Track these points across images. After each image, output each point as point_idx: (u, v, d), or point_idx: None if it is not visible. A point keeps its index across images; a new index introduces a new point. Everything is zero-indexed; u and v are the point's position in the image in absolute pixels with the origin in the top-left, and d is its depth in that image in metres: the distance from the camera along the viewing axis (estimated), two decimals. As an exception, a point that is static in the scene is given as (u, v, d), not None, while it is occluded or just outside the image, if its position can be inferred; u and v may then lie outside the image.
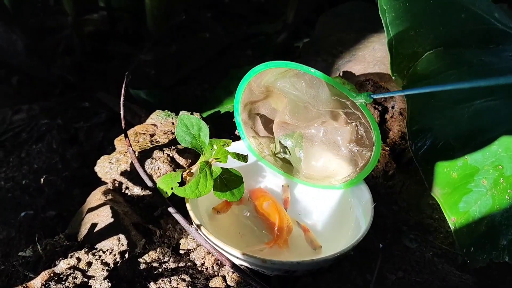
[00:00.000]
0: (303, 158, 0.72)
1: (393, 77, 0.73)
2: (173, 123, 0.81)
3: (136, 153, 0.72)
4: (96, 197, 0.71)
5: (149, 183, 0.65)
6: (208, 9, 1.48)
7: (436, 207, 0.68)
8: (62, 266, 0.56)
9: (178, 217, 0.60)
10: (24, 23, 1.23)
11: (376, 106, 0.82)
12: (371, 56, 0.88)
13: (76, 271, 0.57)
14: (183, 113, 0.82)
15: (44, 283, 0.54)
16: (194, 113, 0.82)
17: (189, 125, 0.63)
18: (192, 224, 0.61)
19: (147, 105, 1.03)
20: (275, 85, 0.65)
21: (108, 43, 1.29)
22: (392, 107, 0.82)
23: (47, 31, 1.30)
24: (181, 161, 0.73)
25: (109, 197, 0.70)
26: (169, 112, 0.83)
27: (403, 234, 0.67)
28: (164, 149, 0.74)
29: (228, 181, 0.63)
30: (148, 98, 1.04)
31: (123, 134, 0.72)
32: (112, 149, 0.80)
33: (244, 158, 0.65)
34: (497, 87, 0.67)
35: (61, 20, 1.32)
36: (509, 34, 0.72)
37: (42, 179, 0.88)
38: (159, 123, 0.82)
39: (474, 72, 0.69)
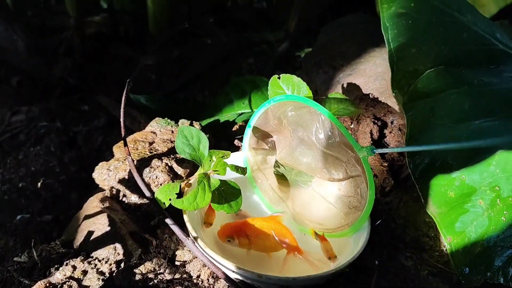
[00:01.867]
0: (293, 196, 0.72)
1: (394, 94, 0.74)
2: (172, 131, 0.81)
3: (135, 161, 0.72)
4: (93, 204, 0.71)
5: (147, 193, 0.65)
6: (211, 14, 1.49)
7: (433, 225, 0.69)
8: (58, 276, 0.56)
9: (175, 228, 0.60)
10: (25, 22, 1.23)
11: (376, 121, 0.82)
12: (372, 71, 0.88)
13: (71, 281, 0.57)
14: (182, 123, 0.82)
15: (39, 292, 0.54)
16: (194, 122, 0.82)
17: (189, 137, 0.63)
18: (189, 236, 0.60)
19: (147, 110, 1.03)
20: (287, 116, 0.65)
21: (110, 45, 1.29)
22: (392, 122, 0.82)
23: (49, 31, 1.30)
24: (179, 170, 0.73)
25: (106, 204, 0.70)
26: (168, 120, 0.83)
27: (399, 251, 0.67)
28: (163, 158, 0.74)
29: (226, 194, 0.63)
30: (148, 104, 1.04)
31: (122, 141, 0.72)
32: (111, 154, 0.80)
33: (242, 170, 0.65)
34: (497, 107, 0.67)
35: (63, 21, 1.32)
36: (510, 54, 0.73)
37: (39, 183, 0.87)
38: (159, 130, 0.82)
39: (474, 92, 0.69)
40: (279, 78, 0.74)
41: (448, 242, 0.62)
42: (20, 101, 1.08)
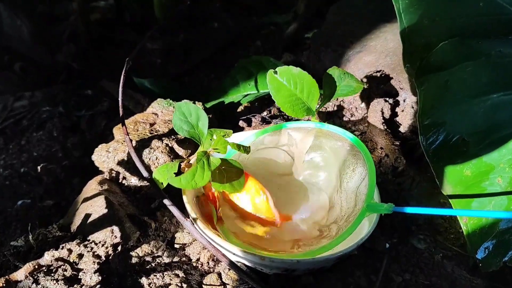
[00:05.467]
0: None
1: (405, 68, 0.69)
2: (174, 111, 0.78)
3: (134, 142, 0.69)
4: (91, 186, 0.68)
5: (145, 173, 0.62)
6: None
7: (448, 206, 0.65)
8: (46, 258, 0.54)
9: (173, 209, 0.57)
10: (30, 8, 1.21)
11: (387, 99, 0.78)
12: (383, 47, 0.84)
13: (66, 264, 0.54)
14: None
15: (28, 275, 0.52)
16: (196, 102, 0.79)
17: (187, 114, 0.60)
18: (188, 218, 0.58)
19: (151, 94, 1.00)
20: None
21: (115, 30, 1.27)
22: (404, 100, 0.78)
23: (54, 17, 1.28)
24: (180, 151, 0.70)
25: (105, 187, 0.68)
26: (170, 101, 0.81)
27: (412, 234, 0.63)
28: (164, 138, 0.71)
29: (228, 173, 0.60)
30: (152, 88, 1.01)
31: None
32: (113, 138, 0.78)
33: (245, 149, 0.61)
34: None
35: (68, 7, 1.29)
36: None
37: (39, 167, 0.85)
38: (160, 112, 0.79)
39: (492, 64, 0.64)
40: (275, 72, 0.69)
41: (464, 223, 0.58)
42: (23, 87, 1.06)
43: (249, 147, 0.62)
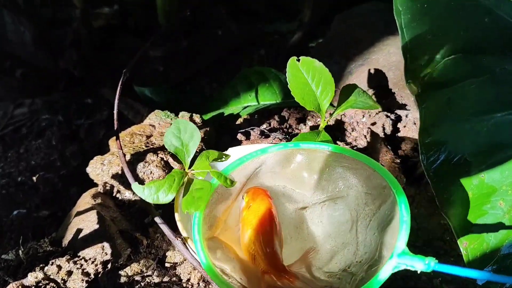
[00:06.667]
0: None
1: (407, 84, 0.68)
2: (171, 124, 0.77)
3: (129, 156, 0.68)
4: (85, 200, 0.67)
5: (137, 189, 0.61)
6: (223, 4, 1.44)
7: (448, 228, 0.63)
8: (30, 279, 0.53)
9: (164, 227, 0.56)
10: (33, 14, 1.21)
11: (389, 115, 0.76)
12: (386, 60, 0.82)
13: (52, 283, 0.53)
14: (183, 115, 0.78)
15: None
16: (194, 115, 0.78)
17: (182, 130, 0.58)
18: (180, 236, 0.56)
19: (151, 103, 0.99)
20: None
21: (118, 37, 1.26)
22: (406, 116, 0.76)
23: (57, 22, 1.28)
24: (175, 165, 0.69)
25: (98, 201, 0.67)
26: (168, 113, 0.79)
27: (410, 256, 0.61)
28: (159, 152, 0.70)
29: (196, 191, 0.56)
30: (152, 96, 1.00)
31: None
32: (110, 149, 0.77)
33: (226, 181, 0.53)
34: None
35: (71, 11, 1.29)
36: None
37: (35, 177, 0.85)
38: (157, 123, 0.78)
39: (497, 82, 0.62)
40: (298, 60, 0.68)
41: (464, 247, 0.56)
42: (24, 93, 1.06)
43: (233, 182, 0.54)
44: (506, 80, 0.62)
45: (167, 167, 0.68)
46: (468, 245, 0.56)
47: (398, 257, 0.44)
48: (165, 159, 0.69)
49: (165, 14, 1.24)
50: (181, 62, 1.21)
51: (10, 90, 1.05)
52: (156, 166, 0.68)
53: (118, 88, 0.70)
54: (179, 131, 0.58)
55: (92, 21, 1.27)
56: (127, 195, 0.69)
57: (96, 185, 0.73)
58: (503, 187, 0.57)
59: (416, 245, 0.63)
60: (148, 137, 0.75)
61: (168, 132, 0.58)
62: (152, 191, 0.52)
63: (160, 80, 1.16)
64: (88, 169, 0.72)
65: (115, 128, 0.67)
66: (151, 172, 0.68)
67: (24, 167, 0.91)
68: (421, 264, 0.42)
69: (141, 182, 0.67)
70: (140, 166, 0.68)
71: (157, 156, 0.69)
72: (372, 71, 0.83)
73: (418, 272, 0.42)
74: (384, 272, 0.44)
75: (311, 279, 0.51)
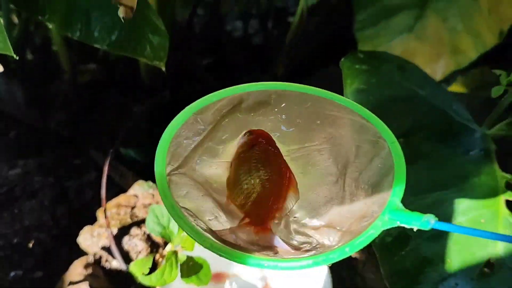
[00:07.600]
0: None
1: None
2: (153, 195, 0.87)
3: (116, 230, 0.78)
4: (77, 270, 0.76)
5: (124, 266, 0.70)
6: (204, 58, 1.54)
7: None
8: None
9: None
10: (24, 72, 1.29)
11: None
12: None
13: None
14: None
15: None
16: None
17: (159, 216, 0.68)
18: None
19: (136, 164, 1.08)
20: None
21: (104, 93, 1.35)
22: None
23: (48, 79, 1.36)
24: (157, 238, 0.78)
25: (89, 271, 0.75)
26: (150, 183, 0.89)
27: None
28: (142, 225, 0.79)
29: (195, 267, 0.67)
30: (136, 157, 1.09)
31: (105, 208, 0.78)
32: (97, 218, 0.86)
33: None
34: (450, 180, 0.72)
35: (59, 66, 1.37)
36: (465, 126, 0.76)
37: (32, 241, 0.93)
38: (140, 193, 0.87)
39: (431, 165, 0.73)
40: None
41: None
42: (17, 154, 1.14)
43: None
44: (438, 166, 0.73)
45: (149, 240, 0.78)
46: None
47: (391, 213, 0.39)
48: (147, 232, 0.78)
49: (147, 71, 1.33)
50: (164, 117, 1.30)
51: (4, 151, 1.13)
52: (140, 239, 0.77)
53: (106, 167, 0.79)
54: (157, 218, 0.68)
55: (79, 77, 1.36)
56: (114, 263, 0.78)
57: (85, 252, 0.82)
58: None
59: None
60: (133, 208, 0.84)
61: (148, 221, 0.68)
62: (159, 276, 0.62)
63: (144, 136, 1.25)
64: (79, 240, 0.81)
65: (102, 205, 0.76)
66: (135, 245, 0.77)
67: (19, 228, 0.99)
68: (418, 222, 0.36)
69: (126, 253, 0.76)
70: (125, 239, 0.77)
71: (141, 229, 0.78)
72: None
73: (414, 230, 0.37)
74: (374, 228, 0.39)
75: (288, 235, 0.47)
